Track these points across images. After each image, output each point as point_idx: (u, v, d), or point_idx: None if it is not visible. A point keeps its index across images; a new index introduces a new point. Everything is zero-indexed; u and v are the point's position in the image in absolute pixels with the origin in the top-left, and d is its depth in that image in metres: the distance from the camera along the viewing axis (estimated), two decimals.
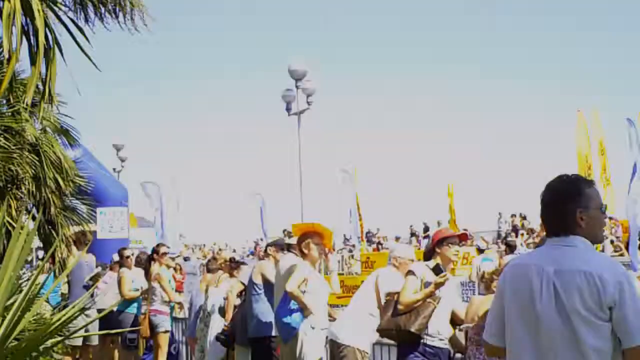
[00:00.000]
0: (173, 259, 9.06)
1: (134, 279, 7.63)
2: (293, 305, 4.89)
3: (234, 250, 30.19)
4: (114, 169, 22.26)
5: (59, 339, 3.72)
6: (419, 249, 19.19)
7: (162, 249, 7.76)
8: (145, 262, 7.72)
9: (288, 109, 16.88)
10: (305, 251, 5.06)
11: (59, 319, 3.59)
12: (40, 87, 4.07)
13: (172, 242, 23.14)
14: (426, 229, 22.52)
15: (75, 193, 6.84)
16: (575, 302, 2.13)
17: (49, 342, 3.55)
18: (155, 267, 7.45)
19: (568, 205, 2.27)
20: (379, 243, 21.27)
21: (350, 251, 21.90)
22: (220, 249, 26.82)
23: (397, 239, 21.94)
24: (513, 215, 20.92)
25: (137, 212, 27.95)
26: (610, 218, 16.88)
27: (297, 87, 16.48)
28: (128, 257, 7.84)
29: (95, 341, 7.77)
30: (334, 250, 5.67)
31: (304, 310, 4.88)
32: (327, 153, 20.12)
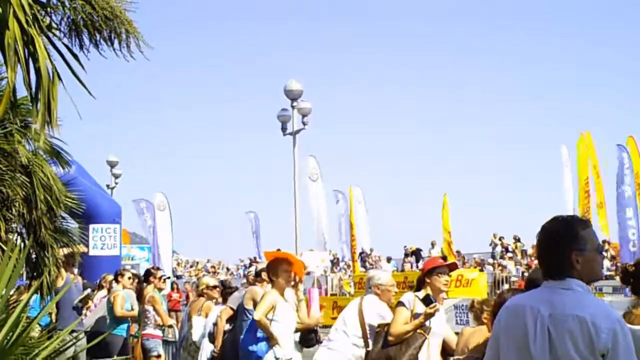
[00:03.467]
0: (164, 281, 9.00)
1: (126, 299, 7.56)
2: (260, 333, 4.85)
3: (228, 269, 30.01)
4: (107, 186, 22.20)
5: None
6: (412, 269, 19.12)
7: (159, 273, 7.74)
8: (138, 285, 7.66)
9: (284, 129, 16.93)
10: (274, 278, 5.02)
11: (51, 344, 3.53)
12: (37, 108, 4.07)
13: (166, 259, 23.04)
14: (418, 251, 22.39)
15: (68, 214, 6.80)
16: (568, 348, 2.11)
17: None
18: (149, 290, 7.40)
19: (563, 248, 2.25)
20: (371, 263, 21.17)
21: (345, 271, 21.81)
22: (199, 272, 26.60)
23: (389, 259, 21.86)
24: (501, 238, 20.85)
25: (130, 228, 27.83)
26: (604, 241, 16.93)
27: (292, 107, 16.54)
28: (125, 277, 7.78)
29: None
30: (302, 280, 5.63)
31: (270, 339, 4.82)
32: (322, 172, 20.12)
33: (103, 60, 3.96)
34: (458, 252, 20.38)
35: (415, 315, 4.08)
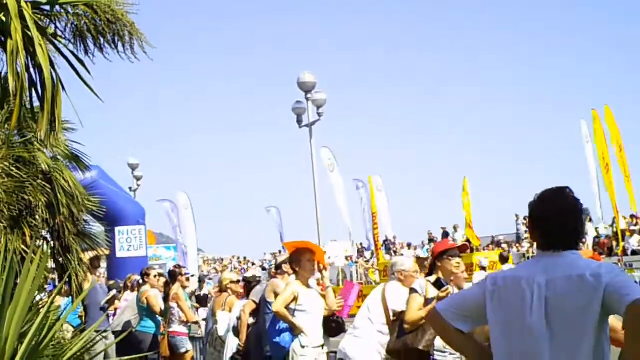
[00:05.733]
0: (188, 279, 9.15)
1: (159, 297, 7.74)
2: (283, 324, 4.87)
3: (253, 264, 30.27)
4: (130, 188, 22.51)
5: None
6: None
7: (183, 270, 7.88)
8: (165, 285, 7.81)
9: (299, 121, 16.94)
10: (297, 268, 5.03)
11: (77, 344, 3.62)
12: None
13: (192, 257, 23.34)
14: (445, 235, 22.34)
15: (95, 218, 6.93)
16: (567, 307, 2.11)
17: None
18: (174, 287, 7.53)
19: (578, 222, 2.27)
20: (395, 251, 21.14)
21: (367, 261, 21.83)
22: (225, 268, 26.84)
23: (409, 245, 21.79)
24: (525, 218, 20.62)
25: (156, 229, 28.24)
26: (632, 216, 16.61)
27: (307, 99, 16.54)
28: (152, 275, 7.94)
29: None
30: (327, 267, 5.62)
31: (293, 329, 4.84)
32: (340, 162, 20.15)
33: (119, 65, 4.03)
34: (494, 238, 20.15)
35: (428, 301, 4.05)
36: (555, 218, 2.24)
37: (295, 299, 4.88)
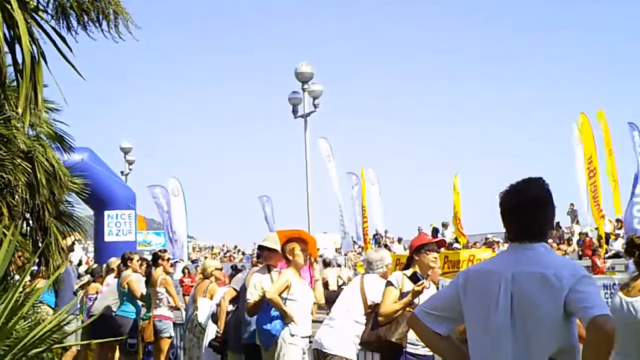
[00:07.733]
0: (172, 265, 9.11)
1: (141, 282, 7.69)
2: (274, 312, 4.86)
3: (243, 253, 30.28)
4: (121, 172, 22.38)
5: (47, 346, 3.72)
6: None
7: (166, 255, 7.83)
8: (147, 268, 7.76)
9: (295, 112, 16.89)
10: (290, 257, 5.00)
11: (51, 322, 3.61)
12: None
13: (181, 244, 23.27)
14: (435, 232, 22.38)
15: (83, 200, 6.85)
16: (529, 304, 2.09)
17: (33, 351, 3.55)
18: (159, 272, 7.49)
19: (547, 213, 2.24)
20: (385, 245, 21.16)
21: (360, 253, 21.87)
22: (214, 255, 26.86)
23: (400, 240, 21.83)
24: None
25: (148, 215, 28.15)
26: (618, 220, 16.67)
27: (303, 90, 16.48)
28: (134, 260, 7.90)
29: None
30: (317, 260, 5.60)
31: (284, 317, 4.83)
32: (334, 154, 20.16)
33: (117, 47, 3.96)
34: (487, 237, 20.18)
35: (403, 294, 4.08)
36: (521, 209, 2.22)
37: (287, 287, 4.86)
